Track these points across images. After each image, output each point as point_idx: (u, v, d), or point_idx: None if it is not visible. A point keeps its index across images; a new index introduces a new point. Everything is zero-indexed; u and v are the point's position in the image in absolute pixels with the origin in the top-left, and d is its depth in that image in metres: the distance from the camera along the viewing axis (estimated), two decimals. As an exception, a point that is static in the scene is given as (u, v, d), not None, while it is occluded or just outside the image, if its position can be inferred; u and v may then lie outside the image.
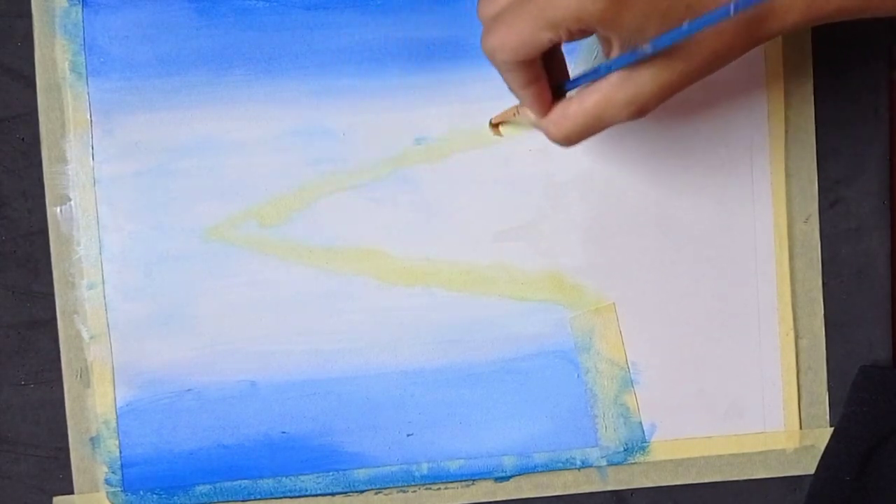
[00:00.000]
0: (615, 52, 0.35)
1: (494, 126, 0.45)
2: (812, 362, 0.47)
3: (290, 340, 0.46)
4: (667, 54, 0.34)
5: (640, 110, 0.36)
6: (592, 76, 0.36)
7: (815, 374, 0.47)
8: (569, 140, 0.37)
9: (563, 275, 0.46)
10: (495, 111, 0.45)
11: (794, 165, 0.47)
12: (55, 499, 0.46)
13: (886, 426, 0.45)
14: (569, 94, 0.38)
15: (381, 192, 0.46)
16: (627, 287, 0.46)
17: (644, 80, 0.35)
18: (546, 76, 0.37)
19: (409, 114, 0.45)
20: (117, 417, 0.45)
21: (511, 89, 0.37)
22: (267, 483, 0.46)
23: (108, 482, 0.46)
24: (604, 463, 0.47)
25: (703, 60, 0.35)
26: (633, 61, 0.34)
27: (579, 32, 0.34)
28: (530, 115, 0.38)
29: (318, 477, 0.46)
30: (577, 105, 0.36)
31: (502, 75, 0.37)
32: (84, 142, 0.45)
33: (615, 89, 0.35)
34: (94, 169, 0.45)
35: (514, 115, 0.43)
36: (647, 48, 0.33)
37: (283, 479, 0.46)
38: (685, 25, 0.32)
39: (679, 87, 0.35)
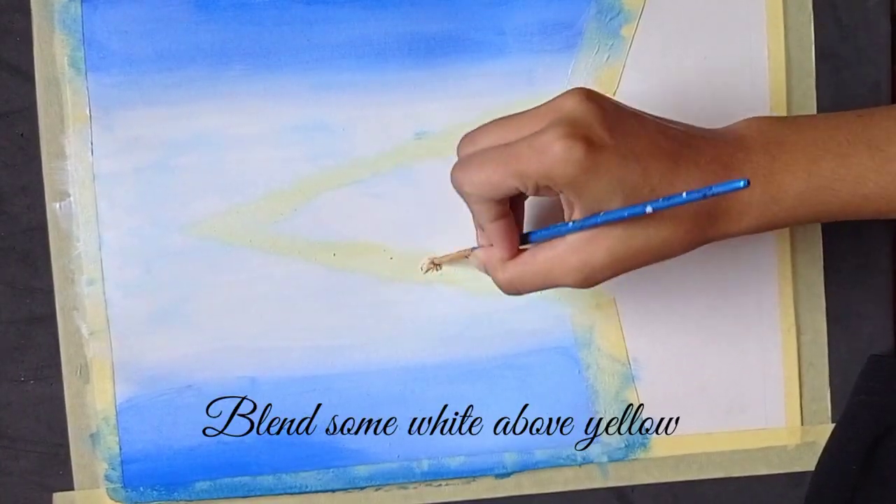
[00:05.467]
0: (576, 216, 0.36)
1: (435, 265, 0.46)
2: (814, 358, 0.47)
3: (290, 336, 0.46)
4: (624, 234, 0.35)
5: (587, 279, 0.36)
6: (552, 233, 0.37)
7: (817, 370, 0.47)
8: (512, 287, 0.38)
9: (564, 270, 0.46)
10: (495, 105, 0.45)
11: (796, 161, 0.46)
12: (55, 495, 0.46)
13: (893, 416, 0.45)
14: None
15: (382, 187, 0.46)
16: (628, 282, 0.46)
17: (597, 251, 0.36)
18: (513, 217, 0.38)
19: (409, 108, 0.45)
20: (117, 414, 0.45)
21: (478, 223, 0.39)
22: (267, 479, 0.46)
23: (108, 478, 0.46)
24: (605, 459, 0.47)
25: (657, 247, 0.36)
26: (589, 226, 0.35)
27: (546, 189, 0.35)
28: (478, 258, 0.39)
29: (318, 473, 0.46)
30: (528, 256, 0.38)
31: (470, 208, 0.38)
32: (83, 137, 0.45)
33: (569, 252, 0.36)
34: (93, 164, 0.45)
35: (465, 257, 0.43)
36: (601, 217, 0.35)
37: (284, 475, 0.46)
38: (647, 206, 0.34)
39: (629, 267, 0.36)
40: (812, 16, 0.46)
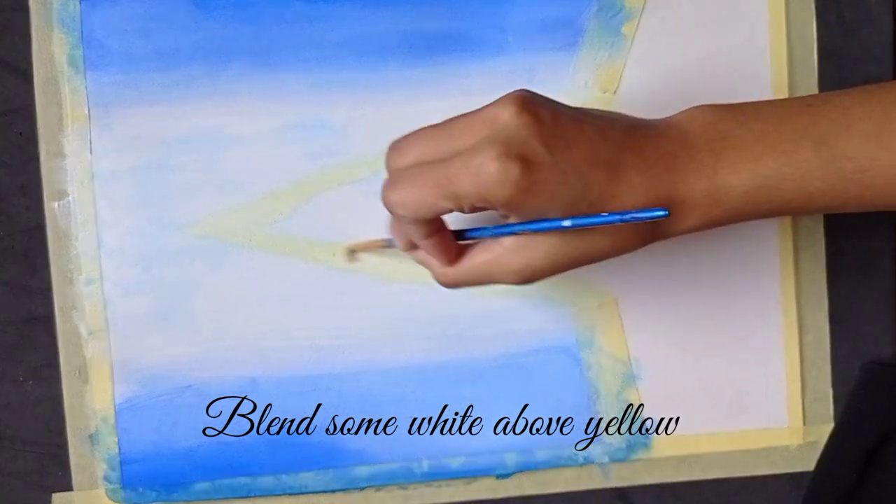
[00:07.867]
0: (513, 220, 0.35)
1: (350, 252, 0.45)
2: (816, 358, 0.47)
3: (290, 336, 0.46)
4: (561, 240, 0.35)
5: (526, 279, 0.36)
6: (490, 232, 0.37)
7: (820, 370, 0.47)
8: (453, 286, 0.38)
9: (565, 270, 0.46)
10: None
11: (798, 159, 0.46)
12: (54, 496, 0.46)
13: (889, 424, 0.45)
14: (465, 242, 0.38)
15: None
16: (630, 282, 0.46)
17: (536, 255, 0.35)
18: (447, 227, 0.37)
19: (409, 107, 0.45)
20: (116, 414, 0.45)
21: (411, 238, 0.38)
22: (266, 480, 0.46)
23: (106, 479, 0.45)
24: (606, 460, 0.46)
25: (598, 250, 0.36)
26: (527, 231, 0.35)
27: (481, 209, 0.34)
28: (417, 257, 0.39)
29: (318, 474, 0.46)
30: (468, 258, 0.37)
31: (402, 226, 0.37)
32: (82, 136, 0.45)
33: (507, 254, 0.36)
34: (92, 163, 0.45)
35: (381, 246, 0.43)
36: (535, 225, 0.34)
37: (283, 476, 0.46)
38: (567, 220, 0.34)
39: (568, 267, 0.36)
40: (814, 13, 0.46)
